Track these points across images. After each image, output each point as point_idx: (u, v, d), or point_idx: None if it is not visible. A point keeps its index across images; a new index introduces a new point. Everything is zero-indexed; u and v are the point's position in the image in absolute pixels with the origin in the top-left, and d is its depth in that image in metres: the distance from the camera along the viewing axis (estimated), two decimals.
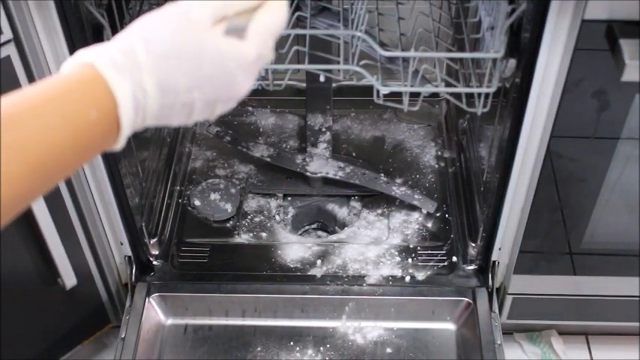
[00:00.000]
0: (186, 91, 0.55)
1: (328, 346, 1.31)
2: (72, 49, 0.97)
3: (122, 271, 1.33)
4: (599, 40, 0.93)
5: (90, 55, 0.53)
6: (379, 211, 1.48)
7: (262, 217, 1.48)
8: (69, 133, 0.50)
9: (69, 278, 1.19)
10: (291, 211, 1.49)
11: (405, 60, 1.19)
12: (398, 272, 1.36)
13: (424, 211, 1.47)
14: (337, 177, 1.50)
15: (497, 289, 1.33)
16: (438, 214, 1.47)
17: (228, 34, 0.57)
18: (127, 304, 1.31)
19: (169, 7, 0.56)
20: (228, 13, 0.57)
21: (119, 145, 0.54)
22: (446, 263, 1.38)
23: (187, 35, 0.55)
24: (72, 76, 0.52)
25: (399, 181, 1.52)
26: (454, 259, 1.38)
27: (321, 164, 1.51)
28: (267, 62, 0.61)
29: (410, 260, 1.38)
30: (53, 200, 1.11)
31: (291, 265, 1.39)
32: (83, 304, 1.30)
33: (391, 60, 1.21)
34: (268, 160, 1.54)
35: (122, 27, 1.12)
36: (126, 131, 0.53)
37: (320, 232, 1.52)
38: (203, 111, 0.57)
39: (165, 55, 0.53)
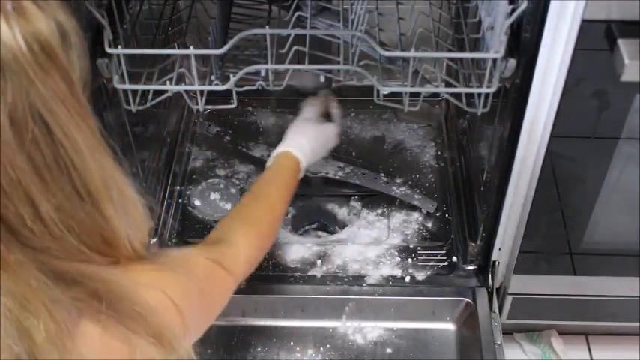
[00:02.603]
0: (321, 152, 1.32)
1: (328, 346, 1.31)
2: None
3: None
4: (599, 40, 0.93)
5: (287, 148, 1.24)
6: (379, 211, 1.48)
7: None
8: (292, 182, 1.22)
9: None
10: (291, 211, 1.49)
11: (405, 60, 1.19)
12: (398, 272, 1.36)
13: (424, 211, 1.47)
14: (337, 177, 1.50)
15: (497, 289, 1.33)
16: (438, 214, 1.47)
17: (326, 121, 1.34)
18: None
19: (301, 122, 1.33)
20: (318, 112, 1.35)
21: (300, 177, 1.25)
22: (446, 263, 1.38)
23: (317, 131, 1.31)
24: (282, 159, 1.24)
25: (399, 181, 1.52)
26: (454, 259, 1.38)
27: (321, 164, 1.50)
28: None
29: (410, 260, 1.38)
30: None
31: (291, 265, 1.39)
32: None
33: (391, 60, 1.21)
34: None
35: (122, 27, 1.12)
36: (303, 172, 1.25)
37: (320, 232, 1.51)
38: (324, 154, 1.34)
39: (312, 145, 1.27)
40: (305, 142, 1.26)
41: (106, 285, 0.62)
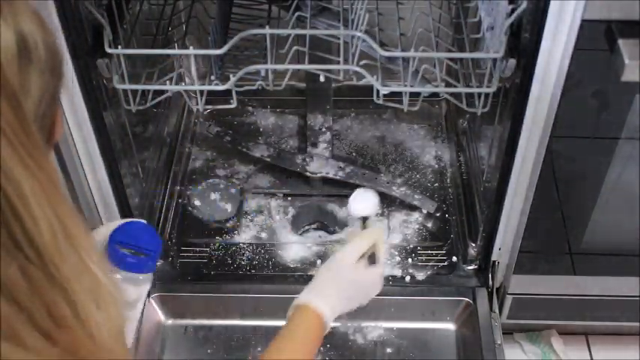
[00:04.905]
0: (359, 301, 1.06)
1: (328, 346, 1.31)
2: (72, 49, 0.97)
3: None
4: (599, 40, 0.93)
5: (309, 301, 0.99)
6: (379, 211, 1.48)
7: (262, 217, 1.48)
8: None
9: None
10: (291, 211, 1.49)
11: (405, 60, 1.19)
12: (398, 272, 1.36)
13: (424, 211, 1.47)
14: (337, 177, 1.50)
15: (497, 289, 1.33)
16: (438, 214, 1.47)
17: (367, 264, 1.06)
18: None
19: (334, 263, 1.05)
20: (361, 253, 1.06)
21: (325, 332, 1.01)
22: (446, 263, 1.38)
23: (355, 278, 1.04)
24: (302, 315, 0.99)
25: (399, 181, 1.52)
26: (454, 259, 1.38)
27: (321, 164, 1.51)
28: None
29: (410, 260, 1.38)
30: None
31: (291, 265, 1.39)
32: None
33: (391, 60, 1.21)
34: (268, 160, 1.54)
35: (122, 27, 1.12)
36: (328, 328, 1.00)
37: (320, 232, 1.51)
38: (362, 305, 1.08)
39: (345, 295, 1.03)
40: (334, 292, 1.02)
41: None
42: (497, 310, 1.31)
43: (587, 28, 0.92)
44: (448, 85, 1.18)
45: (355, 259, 1.06)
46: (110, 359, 0.54)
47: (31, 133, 0.47)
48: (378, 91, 1.13)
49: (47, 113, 0.51)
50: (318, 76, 1.16)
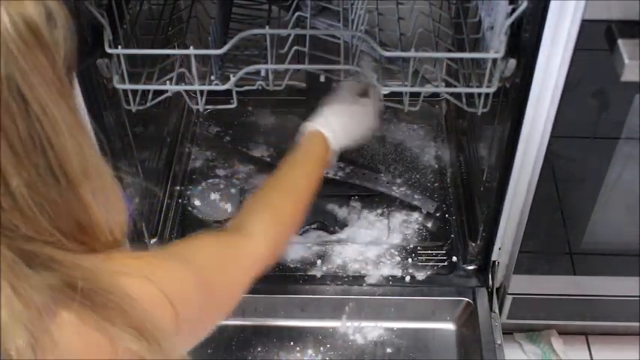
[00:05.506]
0: (355, 131, 1.24)
1: (328, 346, 1.31)
2: None
3: None
4: (599, 40, 0.93)
5: (317, 127, 1.18)
6: (379, 211, 1.48)
7: None
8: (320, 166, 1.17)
9: None
10: None
11: (405, 60, 1.19)
12: (398, 272, 1.36)
13: (424, 211, 1.47)
14: (337, 177, 1.50)
15: (497, 289, 1.33)
16: (438, 214, 1.47)
17: (361, 98, 1.26)
18: None
19: (334, 98, 1.25)
20: (355, 91, 1.26)
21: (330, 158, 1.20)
22: (446, 263, 1.38)
23: (351, 109, 1.24)
24: (311, 139, 1.18)
25: (399, 181, 1.52)
26: (454, 259, 1.38)
27: None
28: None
29: (410, 260, 1.38)
30: None
31: (291, 265, 1.39)
32: None
33: (391, 60, 1.21)
34: (268, 160, 1.54)
35: (122, 27, 1.12)
36: (334, 155, 1.19)
37: (320, 232, 1.51)
38: (361, 137, 1.26)
39: (345, 124, 1.21)
40: (336, 120, 1.19)
41: (79, 272, 0.59)
42: (497, 310, 1.31)
43: (587, 28, 0.92)
44: (448, 85, 1.18)
45: (351, 95, 1.25)
46: (120, 253, 0.67)
47: (62, 80, 0.59)
48: None
49: (69, 70, 0.61)
50: (318, 76, 1.16)
